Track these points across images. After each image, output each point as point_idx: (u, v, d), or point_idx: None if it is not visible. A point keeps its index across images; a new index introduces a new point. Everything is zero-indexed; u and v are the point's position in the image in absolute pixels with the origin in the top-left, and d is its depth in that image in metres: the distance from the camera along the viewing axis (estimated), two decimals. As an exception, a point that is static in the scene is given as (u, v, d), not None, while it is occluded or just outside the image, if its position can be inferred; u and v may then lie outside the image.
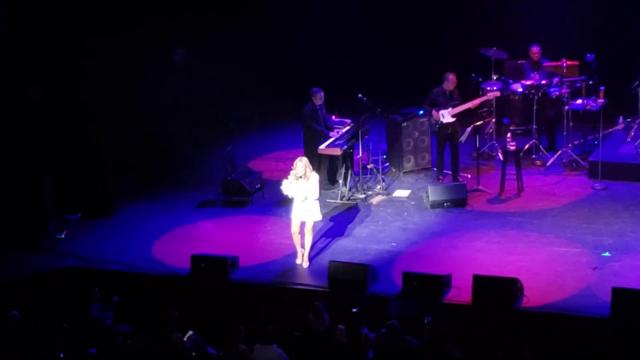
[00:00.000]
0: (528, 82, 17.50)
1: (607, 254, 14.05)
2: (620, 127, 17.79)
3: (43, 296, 13.83)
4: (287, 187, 13.99)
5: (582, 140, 17.60)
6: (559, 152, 17.29)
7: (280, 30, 20.70)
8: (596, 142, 17.18)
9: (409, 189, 16.75)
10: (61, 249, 15.19)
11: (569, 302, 12.89)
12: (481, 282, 13.01)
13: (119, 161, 16.81)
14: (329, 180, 16.80)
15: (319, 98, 16.43)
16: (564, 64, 17.20)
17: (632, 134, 17.38)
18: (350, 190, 16.36)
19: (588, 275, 13.53)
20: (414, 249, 14.64)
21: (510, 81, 18.12)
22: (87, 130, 16.40)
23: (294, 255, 14.35)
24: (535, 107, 17.21)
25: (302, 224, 14.10)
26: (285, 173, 14.24)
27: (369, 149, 17.05)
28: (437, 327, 11.53)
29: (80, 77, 16.47)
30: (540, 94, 17.30)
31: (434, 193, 15.91)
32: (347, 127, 16.72)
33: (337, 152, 16.11)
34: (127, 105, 17.74)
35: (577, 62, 17.75)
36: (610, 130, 17.66)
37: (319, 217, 14.23)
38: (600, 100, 17.07)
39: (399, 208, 16.03)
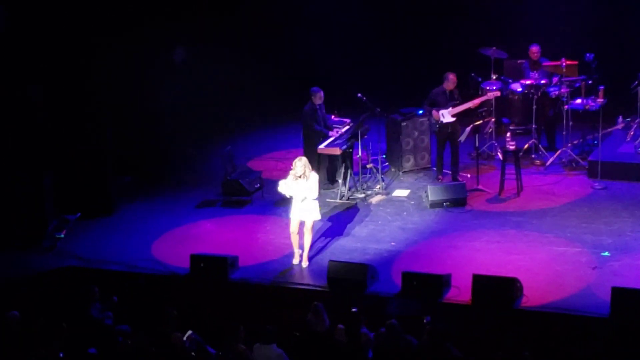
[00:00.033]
0: (527, 82, 17.51)
1: (606, 253, 14.06)
2: (619, 126, 17.80)
3: (43, 296, 13.83)
4: (284, 187, 14.00)
5: (581, 140, 17.61)
6: (559, 151, 17.29)
7: (280, 30, 20.71)
8: (595, 142, 17.19)
9: (408, 188, 16.76)
10: (61, 249, 15.20)
11: (569, 301, 12.89)
12: (481, 282, 13.01)
13: (119, 161, 16.81)
14: (328, 179, 16.80)
15: (318, 97, 16.44)
16: (564, 64, 17.19)
17: (632, 133, 17.39)
18: (349, 189, 16.37)
19: (587, 274, 13.53)
20: (413, 248, 14.65)
21: (510, 81, 18.12)
22: (87, 130, 16.40)
23: (293, 255, 14.35)
24: (534, 107, 17.22)
25: (301, 224, 14.11)
26: (285, 173, 14.25)
27: (368, 148, 17.06)
28: (437, 326, 11.55)
29: (80, 77, 16.49)
30: (539, 94, 17.31)
31: (433, 193, 15.92)
32: (347, 127, 16.74)
33: (337, 151, 16.12)
34: (127, 105, 17.75)
35: (576, 62, 17.72)
36: (609, 129, 17.66)
37: (318, 216, 14.23)
38: (600, 100, 17.07)
39: (398, 208, 16.04)
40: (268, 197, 16.50)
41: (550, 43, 18.18)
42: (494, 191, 16.22)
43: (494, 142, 17.60)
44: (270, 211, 16.05)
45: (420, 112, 17.24)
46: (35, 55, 16.03)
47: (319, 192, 14.33)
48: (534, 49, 17.80)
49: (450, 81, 16.52)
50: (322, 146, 16.19)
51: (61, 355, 11.54)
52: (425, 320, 11.75)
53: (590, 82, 17.18)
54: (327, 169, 16.76)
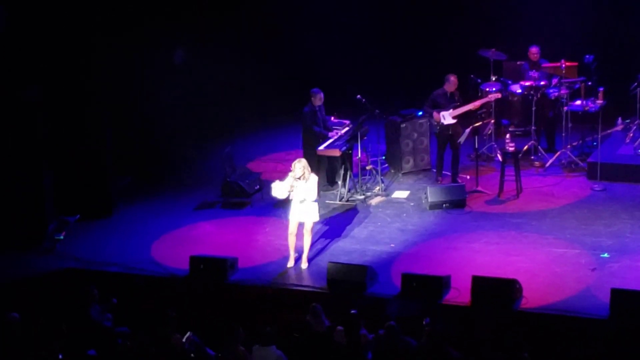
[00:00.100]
0: (527, 83, 17.52)
1: (606, 255, 14.07)
2: (619, 128, 17.82)
3: (42, 297, 13.83)
4: (277, 190, 13.97)
5: (581, 142, 17.62)
6: (558, 153, 17.30)
7: (280, 30, 20.71)
8: (595, 143, 17.20)
9: (408, 190, 16.76)
10: (60, 250, 15.20)
11: (568, 303, 12.90)
12: (480, 283, 13.02)
13: (118, 162, 16.81)
14: (328, 181, 16.81)
15: (318, 99, 16.44)
16: (563, 65, 17.20)
17: (631, 135, 17.41)
18: (349, 191, 16.37)
19: (587, 276, 13.54)
20: (413, 250, 14.65)
21: (509, 82, 18.13)
22: (87, 130, 16.39)
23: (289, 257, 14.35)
24: (534, 108, 17.23)
25: (300, 225, 14.11)
26: (285, 174, 14.24)
27: (368, 150, 17.07)
28: (436, 328, 11.54)
29: (80, 77, 16.47)
30: (539, 95, 17.32)
31: (433, 194, 15.92)
32: (346, 128, 16.74)
33: (336, 153, 16.13)
34: (127, 105, 17.75)
35: (576, 63, 17.76)
36: (609, 131, 17.68)
37: (316, 218, 14.24)
38: (599, 102, 17.09)
39: (398, 209, 16.04)
40: (268, 198, 16.41)
41: (549, 44, 18.21)
42: (494, 193, 16.23)
43: (493, 143, 17.61)
44: (269, 213, 16.05)
45: (420, 113, 17.25)
46: (35, 55, 16.02)
47: (319, 194, 14.33)
48: (534, 50, 17.82)
49: (452, 83, 16.53)
50: (321, 147, 16.20)
51: (60, 356, 11.50)
52: (424, 322, 11.74)
53: (589, 83, 17.19)
54: (327, 170, 16.76)
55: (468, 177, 16.79)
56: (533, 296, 13.02)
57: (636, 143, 17.12)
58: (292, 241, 14.18)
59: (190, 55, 19.76)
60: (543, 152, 17.46)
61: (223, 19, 20.20)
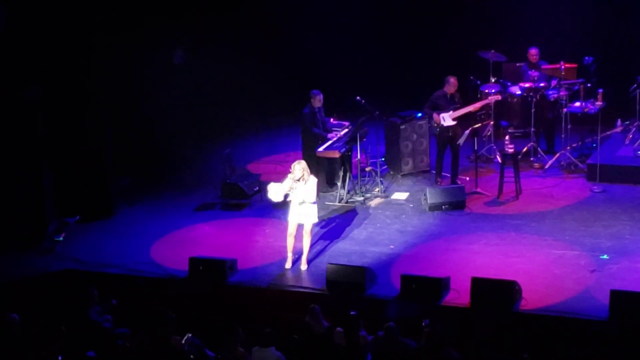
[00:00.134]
0: (526, 85, 17.52)
1: (605, 256, 14.07)
2: (618, 129, 17.82)
3: (42, 298, 13.83)
4: (273, 192, 13.96)
5: (580, 143, 17.63)
6: (557, 154, 17.31)
7: (280, 30, 20.71)
8: (594, 145, 17.21)
9: (407, 191, 16.77)
10: (60, 252, 15.20)
11: (567, 304, 12.90)
12: (479, 285, 13.03)
13: (118, 161, 16.81)
14: (327, 182, 16.80)
15: (318, 100, 16.44)
16: (562, 67, 17.18)
17: (630, 136, 17.41)
18: (348, 192, 16.38)
19: (586, 277, 13.55)
20: (412, 251, 14.66)
21: (509, 84, 18.13)
22: (87, 130, 16.39)
23: (293, 257, 14.36)
24: (533, 110, 17.23)
25: (300, 227, 14.11)
26: (284, 175, 14.24)
27: (367, 151, 17.07)
28: (436, 329, 11.55)
29: (80, 77, 16.46)
30: (538, 97, 17.32)
31: (432, 195, 15.93)
32: (346, 130, 16.75)
33: (336, 154, 16.13)
34: (127, 105, 17.75)
35: (575, 65, 17.72)
36: (608, 132, 17.68)
37: (316, 219, 14.24)
38: (599, 103, 17.09)
39: (397, 210, 16.05)
40: (267, 200, 16.32)
41: (549, 46, 18.21)
42: (493, 194, 16.24)
43: (492, 145, 17.62)
44: (269, 214, 16.05)
45: (419, 115, 17.26)
46: (35, 55, 16.02)
47: (318, 195, 14.33)
48: (533, 52, 17.82)
49: (452, 85, 16.53)
50: (321, 149, 16.19)
51: (60, 357, 11.52)
52: (424, 323, 11.75)
53: (589, 85, 17.19)
54: (326, 171, 16.75)
55: (467, 178, 16.79)
56: (532, 297, 13.02)
57: (635, 145, 17.13)
58: (290, 243, 14.19)
59: (190, 55, 19.76)
60: (542, 154, 17.47)
61: (223, 19, 20.20)
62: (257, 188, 16.66)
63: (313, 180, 14.00)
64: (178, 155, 18.54)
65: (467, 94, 17.71)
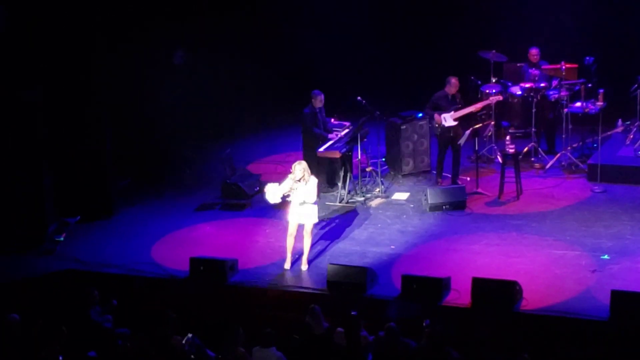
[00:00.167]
0: (527, 85, 17.52)
1: (606, 256, 14.06)
2: (619, 129, 17.82)
3: (42, 299, 13.83)
4: (270, 194, 13.94)
5: (581, 143, 17.62)
6: (558, 154, 17.30)
7: (280, 30, 20.70)
8: (595, 145, 17.20)
9: (408, 191, 16.76)
10: (60, 252, 15.19)
11: (568, 304, 12.89)
12: (480, 285, 13.02)
13: (118, 161, 16.81)
14: (328, 183, 16.79)
15: (319, 101, 16.44)
16: (563, 67, 17.19)
17: (631, 136, 17.41)
18: (349, 193, 16.37)
19: (587, 278, 13.54)
20: (413, 251, 14.65)
21: (509, 84, 18.13)
22: (87, 130, 16.39)
23: (292, 258, 14.34)
24: (534, 110, 17.22)
25: (300, 227, 14.10)
26: (284, 176, 14.23)
27: (367, 151, 17.06)
28: (436, 329, 11.55)
29: (80, 77, 16.45)
30: (539, 97, 17.31)
31: (433, 196, 15.92)
32: (346, 130, 16.74)
33: (336, 154, 16.12)
34: (127, 105, 17.74)
35: (576, 65, 17.76)
36: (609, 133, 17.67)
37: (316, 220, 14.23)
38: (599, 103, 17.08)
39: (398, 211, 16.04)
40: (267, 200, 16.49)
41: (549, 46, 18.20)
42: (494, 194, 16.23)
43: (493, 145, 17.61)
44: (269, 214, 16.03)
45: (420, 115, 17.25)
46: (35, 55, 16.01)
47: (319, 196, 14.32)
48: (533, 52, 17.81)
49: (453, 85, 16.52)
50: (321, 149, 16.19)
51: (61, 358, 11.53)
52: (424, 323, 11.76)
53: (589, 85, 17.18)
54: (327, 172, 16.74)
55: (468, 178, 16.78)
56: (533, 298, 13.01)
57: (636, 145, 17.12)
58: (290, 243, 14.17)
59: (191, 55, 19.75)
60: (543, 154, 17.45)
61: (223, 19, 20.19)
62: (258, 188, 16.65)
63: (313, 181, 13.99)
64: (178, 155, 18.53)
65: (468, 94, 17.71)
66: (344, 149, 16.17)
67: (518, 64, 18.31)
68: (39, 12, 16.12)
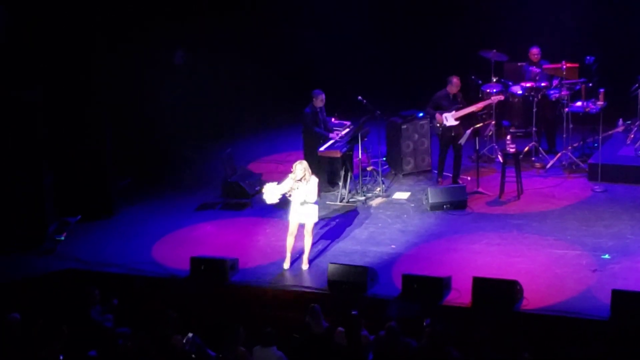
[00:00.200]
0: (528, 85, 17.52)
1: (606, 256, 14.05)
2: (619, 129, 17.81)
3: (43, 298, 13.82)
4: (269, 194, 13.92)
5: (581, 143, 17.61)
6: (559, 154, 17.30)
7: (280, 30, 20.70)
8: (596, 145, 17.19)
9: (408, 191, 16.76)
10: (61, 252, 15.18)
11: (569, 304, 12.88)
12: (481, 285, 13.01)
13: (118, 161, 16.80)
14: (328, 182, 16.79)
15: (319, 100, 16.43)
16: (564, 66, 17.18)
17: (632, 136, 17.41)
18: (349, 192, 16.36)
19: (588, 277, 13.53)
20: (413, 251, 14.64)
21: (510, 83, 18.13)
22: (87, 130, 16.38)
23: (292, 257, 14.32)
24: (534, 110, 17.22)
25: (300, 227, 14.10)
26: (285, 175, 14.22)
27: (368, 151, 17.05)
28: (437, 329, 11.54)
29: (80, 77, 16.46)
30: (539, 96, 17.31)
31: (433, 195, 15.91)
32: (347, 129, 16.73)
33: (337, 154, 16.12)
34: (127, 105, 17.74)
35: (576, 65, 17.72)
36: (610, 132, 17.67)
37: (316, 219, 14.23)
38: (600, 103, 17.08)
39: (398, 210, 16.03)
40: (268, 199, 16.49)
41: (550, 45, 18.19)
42: (494, 194, 16.22)
43: (494, 144, 17.60)
44: (270, 214, 16.02)
45: (421, 114, 17.25)
46: (35, 55, 16.01)
47: (319, 195, 14.32)
48: (534, 51, 17.81)
49: (454, 85, 16.51)
50: (322, 149, 16.18)
51: (61, 357, 11.54)
52: (425, 323, 11.76)
53: (590, 84, 17.18)
54: (327, 171, 16.74)
55: (469, 178, 16.77)
56: (534, 297, 13.01)
57: (637, 144, 17.12)
58: (290, 242, 14.16)
59: (191, 55, 19.75)
60: (544, 153, 17.45)
61: (223, 19, 20.19)
62: (258, 187, 16.61)
63: (314, 180, 13.98)
64: (178, 155, 18.53)
65: (469, 94, 17.72)
66: (345, 149, 16.17)
67: (519, 64, 18.30)
68: (39, 12, 16.14)
